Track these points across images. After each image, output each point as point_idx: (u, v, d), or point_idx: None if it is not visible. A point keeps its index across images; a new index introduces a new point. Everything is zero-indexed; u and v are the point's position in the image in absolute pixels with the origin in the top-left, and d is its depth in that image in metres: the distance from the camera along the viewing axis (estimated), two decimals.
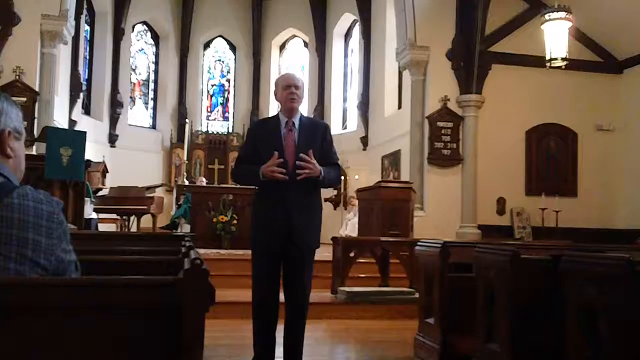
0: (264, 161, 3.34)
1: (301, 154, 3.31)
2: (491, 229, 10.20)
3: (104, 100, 14.72)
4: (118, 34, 14.99)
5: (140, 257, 2.54)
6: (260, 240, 3.42)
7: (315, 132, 3.50)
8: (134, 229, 11.78)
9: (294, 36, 17.18)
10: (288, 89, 3.48)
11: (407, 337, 4.53)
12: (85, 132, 8.05)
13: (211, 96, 17.45)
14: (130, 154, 14.69)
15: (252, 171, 3.38)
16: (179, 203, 11.92)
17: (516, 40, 10.56)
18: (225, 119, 17.35)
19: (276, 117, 3.54)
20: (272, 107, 16.82)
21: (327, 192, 12.49)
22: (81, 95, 12.99)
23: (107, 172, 11.81)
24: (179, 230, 10.67)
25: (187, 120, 14.48)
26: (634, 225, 10.10)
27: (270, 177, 3.29)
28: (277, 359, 3.47)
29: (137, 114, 16.12)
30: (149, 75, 16.63)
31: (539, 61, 9.22)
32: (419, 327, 4.32)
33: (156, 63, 16.67)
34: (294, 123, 3.47)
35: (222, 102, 17.48)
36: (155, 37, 16.68)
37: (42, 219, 1.53)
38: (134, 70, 16.14)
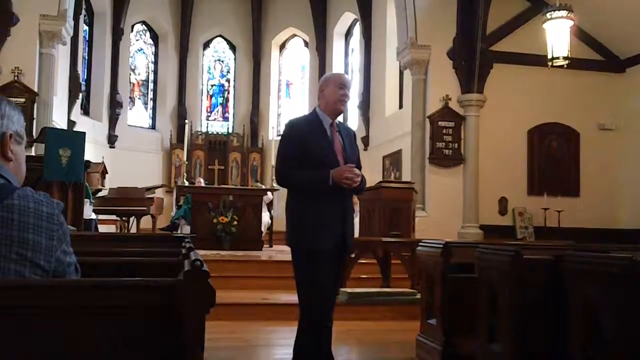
0: (314, 161, 3.18)
1: (352, 166, 3.21)
2: (493, 229, 10.17)
3: (103, 101, 14.69)
4: (117, 34, 14.95)
5: (140, 258, 2.53)
6: (322, 241, 3.16)
7: (350, 136, 3.43)
8: (133, 230, 11.77)
9: (294, 35, 17.17)
10: (342, 89, 3.29)
11: (409, 338, 4.51)
12: (84, 133, 8.05)
13: (211, 96, 17.43)
14: (129, 154, 14.66)
15: (319, 177, 3.16)
16: (179, 204, 11.93)
17: (518, 39, 10.54)
18: (225, 119, 17.33)
19: (316, 116, 3.33)
20: (272, 107, 16.83)
21: None
22: (80, 95, 12.96)
23: (107, 173, 11.80)
24: (179, 231, 10.66)
25: (186, 121, 14.45)
26: (637, 225, 10.09)
27: (347, 185, 3.15)
28: None
29: (136, 115, 16.09)
30: (148, 76, 16.60)
31: (540, 60, 9.19)
32: (421, 328, 4.30)
33: (155, 63, 16.65)
34: (337, 124, 3.35)
35: (222, 102, 17.46)
36: (155, 36, 16.66)
37: (42, 220, 1.53)
38: (133, 70, 16.11)
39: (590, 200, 10.62)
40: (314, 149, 3.21)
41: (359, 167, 3.40)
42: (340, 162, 3.23)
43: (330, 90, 3.29)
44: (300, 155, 3.20)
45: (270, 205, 11.20)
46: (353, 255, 6.45)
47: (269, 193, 10.99)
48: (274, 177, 10.79)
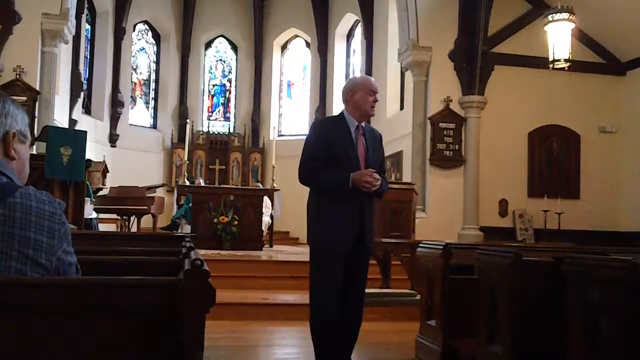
0: (337, 162, 3.27)
1: (373, 170, 3.27)
2: (493, 230, 10.17)
3: (105, 100, 14.70)
4: (119, 33, 14.97)
5: (140, 257, 2.53)
6: (336, 240, 3.28)
7: (375, 139, 3.50)
8: (134, 229, 11.77)
9: (296, 36, 17.17)
10: (373, 95, 3.39)
11: (408, 339, 4.51)
12: (85, 132, 8.05)
13: (212, 96, 17.43)
14: (130, 153, 14.68)
15: (339, 178, 3.25)
16: (179, 203, 11.93)
17: (519, 41, 10.53)
18: (227, 119, 17.33)
19: (342, 118, 3.42)
20: (274, 108, 16.83)
21: None
22: (82, 94, 12.96)
23: (108, 172, 11.81)
24: (179, 230, 10.67)
25: (188, 120, 14.46)
26: (637, 227, 10.07)
27: (366, 189, 3.22)
28: None
29: (137, 114, 16.10)
30: (149, 75, 16.61)
31: (542, 62, 9.19)
32: (420, 329, 4.30)
33: (157, 62, 16.65)
34: (362, 127, 3.43)
35: (223, 102, 17.46)
36: (157, 36, 16.66)
37: (44, 219, 1.53)
38: (134, 69, 16.12)
39: (591, 202, 10.62)
40: (337, 150, 3.29)
41: (383, 171, 3.48)
42: (362, 165, 3.29)
43: (360, 96, 3.37)
44: (325, 156, 3.29)
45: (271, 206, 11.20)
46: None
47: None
48: (274, 177, 10.87)
